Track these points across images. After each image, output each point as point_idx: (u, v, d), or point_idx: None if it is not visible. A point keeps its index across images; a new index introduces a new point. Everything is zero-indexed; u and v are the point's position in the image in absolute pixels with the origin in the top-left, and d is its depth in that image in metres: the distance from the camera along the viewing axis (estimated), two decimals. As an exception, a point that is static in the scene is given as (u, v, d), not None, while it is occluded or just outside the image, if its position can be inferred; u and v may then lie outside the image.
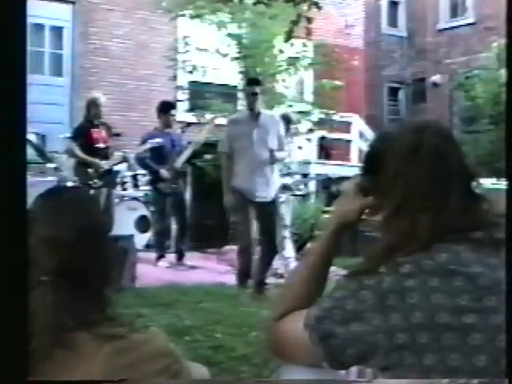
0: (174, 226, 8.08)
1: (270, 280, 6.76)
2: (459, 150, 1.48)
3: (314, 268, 1.59)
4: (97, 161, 7.35)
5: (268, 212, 6.14)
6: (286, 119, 7.69)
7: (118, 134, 9.19)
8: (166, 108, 7.91)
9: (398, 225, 1.40)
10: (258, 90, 6.11)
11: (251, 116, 6.10)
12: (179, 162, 7.76)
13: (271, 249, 6.23)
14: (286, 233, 7.75)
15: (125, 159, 8.05)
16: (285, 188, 7.59)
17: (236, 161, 6.08)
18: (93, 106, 7.46)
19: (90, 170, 7.30)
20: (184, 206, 7.91)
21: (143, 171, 8.42)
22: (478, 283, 1.30)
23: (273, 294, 5.80)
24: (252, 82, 6.35)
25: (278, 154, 6.16)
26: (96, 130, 7.44)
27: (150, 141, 7.56)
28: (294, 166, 8.13)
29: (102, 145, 7.44)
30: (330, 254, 1.60)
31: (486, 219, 1.41)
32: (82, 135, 7.37)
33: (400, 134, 1.50)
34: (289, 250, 7.60)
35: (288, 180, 7.71)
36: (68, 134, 7.76)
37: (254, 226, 6.15)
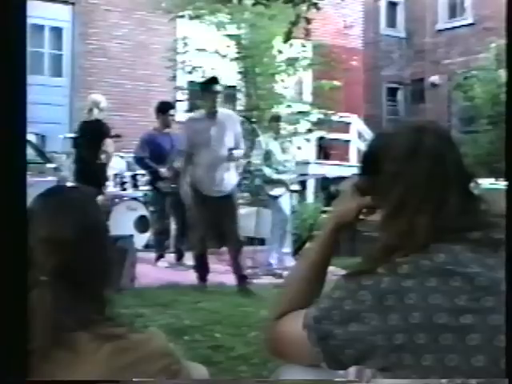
0: (173, 226, 8.07)
1: (269, 280, 6.79)
2: (457, 151, 1.48)
3: (312, 267, 1.59)
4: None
5: (227, 206, 6.30)
6: (276, 118, 7.73)
7: (117, 136, 9.20)
8: (164, 108, 7.91)
9: (396, 225, 1.41)
10: (218, 88, 6.20)
11: (209, 115, 6.21)
12: (178, 161, 7.77)
13: (235, 242, 6.35)
14: (287, 228, 7.76)
15: None
16: (282, 184, 7.62)
17: (195, 158, 6.23)
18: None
19: None
20: (183, 206, 7.91)
21: (143, 171, 8.42)
22: (476, 283, 1.30)
23: (268, 291, 5.83)
24: (212, 80, 6.39)
25: (235, 152, 6.32)
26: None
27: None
28: (291, 164, 8.13)
29: None
30: (328, 254, 1.60)
31: (484, 219, 1.41)
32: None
33: (399, 134, 1.50)
34: (287, 245, 7.62)
35: (284, 177, 7.72)
36: (69, 135, 7.73)
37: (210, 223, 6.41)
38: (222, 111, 6.33)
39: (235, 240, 6.34)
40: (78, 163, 7.45)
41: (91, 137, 7.27)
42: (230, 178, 6.33)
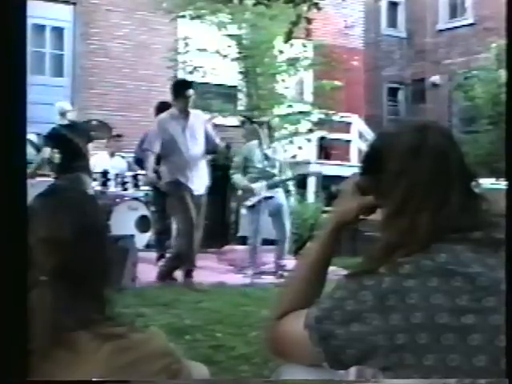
0: (174, 226, 8.07)
1: (269, 279, 6.78)
2: (459, 150, 1.48)
3: (312, 267, 1.59)
4: None
5: (200, 204, 6.49)
6: (268, 126, 7.70)
7: (119, 136, 9.21)
8: (164, 108, 7.92)
9: (398, 224, 1.40)
10: (191, 93, 6.43)
11: (182, 115, 6.43)
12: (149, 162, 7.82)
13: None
14: (287, 228, 7.74)
15: None
16: (250, 192, 7.58)
17: (169, 158, 6.43)
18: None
19: None
20: None
21: (144, 171, 8.42)
22: (477, 283, 1.30)
23: (273, 292, 5.82)
24: (187, 85, 6.64)
25: (207, 150, 6.61)
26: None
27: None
28: (285, 165, 8.11)
29: None
30: (328, 254, 1.60)
31: (485, 219, 1.41)
32: None
33: (401, 133, 1.50)
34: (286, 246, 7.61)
35: (256, 184, 7.65)
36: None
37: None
38: (193, 111, 6.57)
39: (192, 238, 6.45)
40: None
41: None
42: (204, 176, 6.62)
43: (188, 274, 6.38)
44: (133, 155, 8.07)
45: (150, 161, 6.52)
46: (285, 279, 5.80)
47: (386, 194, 1.45)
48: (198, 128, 6.51)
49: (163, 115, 6.68)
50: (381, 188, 1.47)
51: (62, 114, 7.61)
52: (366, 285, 1.36)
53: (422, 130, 1.46)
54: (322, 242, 1.60)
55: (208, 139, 6.55)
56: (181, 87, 6.54)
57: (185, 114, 6.44)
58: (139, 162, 7.89)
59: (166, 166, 6.52)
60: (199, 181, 6.52)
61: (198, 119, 6.60)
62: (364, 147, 12.49)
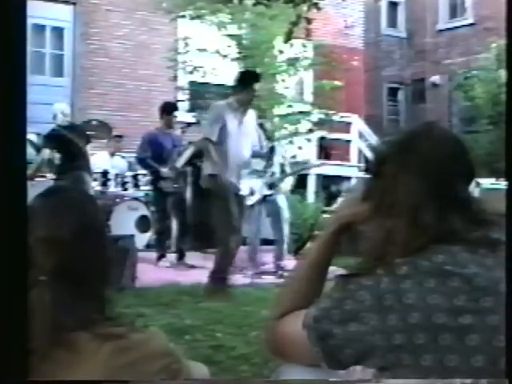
0: (174, 226, 8.08)
1: (269, 279, 6.78)
2: (460, 151, 1.48)
3: (312, 267, 1.59)
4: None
5: (243, 206, 6.21)
6: (263, 128, 7.68)
7: (119, 136, 9.21)
8: (169, 109, 7.95)
9: (393, 225, 1.41)
10: (258, 85, 6.10)
11: (241, 109, 6.03)
12: (180, 161, 7.79)
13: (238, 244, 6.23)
14: (285, 231, 7.74)
15: None
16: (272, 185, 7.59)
17: (222, 149, 5.93)
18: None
19: None
20: (184, 206, 7.93)
21: (144, 171, 8.44)
22: (474, 284, 1.30)
23: (273, 292, 5.82)
24: (256, 77, 6.23)
25: (256, 151, 6.28)
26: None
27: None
28: (285, 164, 8.13)
29: None
30: (329, 255, 1.61)
31: (482, 219, 1.42)
32: None
33: (398, 139, 1.51)
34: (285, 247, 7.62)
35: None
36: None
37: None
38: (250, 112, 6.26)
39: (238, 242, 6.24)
40: None
41: None
42: (248, 177, 6.35)
43: (217, 280, 6.02)
44: (135, 155, 8.06)
45: (211, 150, 5.88)
46: (284, 279, 5.81)
47: (382, 198, 1.45)
48: (251, 126, 6.17)
49: (220, 102, 6.24)
50: (376, 192, 1.47)
51: (56, 116, 7.56)
52: (364, 285, 1.36)
53: (418, 136, 1.47)
54: (323, 243, 1.61)
55: (258, 141, 6.25)
56: (249, 78, 6.13)
57: (244, 108, 6.04)
58: (141, 161, 7.89)
59: (209, 158, 5.99)
60: (246, 181, 6.21)
61: (251, 117, 6.23)
62: (364, 147, 12.51)
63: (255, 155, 6.35)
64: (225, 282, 5.99)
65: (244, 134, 6.03)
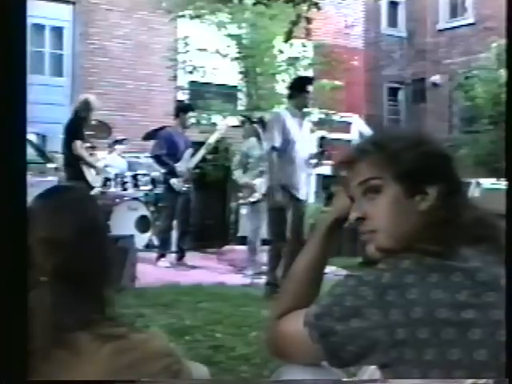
0: (175, 226, 8.08)
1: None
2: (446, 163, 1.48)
3: (307, 267, 1.60)
4: (98, 164, 7.46)
5: (303, 211, 6.13)
6: (262, 122, 7.69)
7: (122, 140, 9.21)
8: (186, 108, 8.03)
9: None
10: (311, 88, 6.12)
11: (300, 113, 6.13)
12: (193, 161, 7.84)
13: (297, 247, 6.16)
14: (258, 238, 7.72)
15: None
16: (250, 188, 7.56)
17: (285, 156, 5.98)
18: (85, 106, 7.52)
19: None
20: (189, 207, 7.93)
21: (143, 171, 8.45)
22: (476, 279, 1.31)
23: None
24: (309, 80, 6.33)
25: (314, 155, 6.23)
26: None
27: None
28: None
29: (88, 144, 7.57)
30: (324, 252, 1.61)
31: (484, 218, 1.42)
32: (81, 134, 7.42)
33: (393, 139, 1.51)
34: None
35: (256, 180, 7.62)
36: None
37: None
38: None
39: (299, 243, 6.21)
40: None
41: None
42: (308, 183, 6.26)
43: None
44: (152, 154, 8.05)
45: (274, 158, 5.96)
46: (283, 278, 5.80)
47: None
48: (307, 129, 6.24)
49: (281, 109, 6.41)
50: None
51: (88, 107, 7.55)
52: (365, 280, 1.36)
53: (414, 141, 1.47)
54: (318, 241, 1.62)
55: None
56: (304, 83, 6.20)
57: (302, 112, 6.17)
58: (157, 158, 7.89)
59: (270, 167, 6.05)
60: (305, 186, 6.13)
61: (308, 122, 6.32)
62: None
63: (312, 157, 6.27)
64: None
65: (305, 138, 6.11)
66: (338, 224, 1.61)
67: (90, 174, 7.38)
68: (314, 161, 6.26)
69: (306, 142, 6.12)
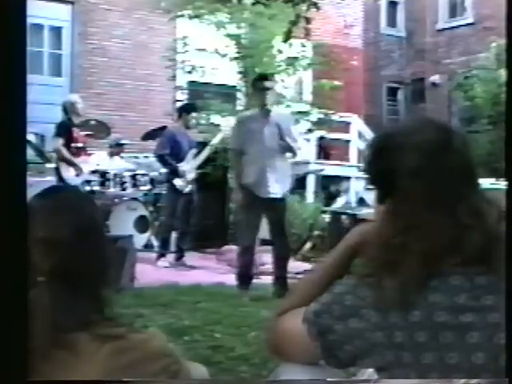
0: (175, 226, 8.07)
1: (269, 279, 6.76)
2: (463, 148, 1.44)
3: (324, 275, 1.56)
4: (80, 164, 7.52)
5: (279, 208, 6.07)
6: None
7: (122, 144, 9.20)
8: (189, 109, 8.07)
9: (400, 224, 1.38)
10: (268, 85, 6.02)
11: (262, 113, 6.02)
12: (196, 162, 7.85)
13: (283, 249, 6.17)
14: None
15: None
16: None
17: (246, 158, 6.03)
18: (71, 107, 7.62)
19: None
20: (191, 208, 7.93)
21: (143, 171, 8.45)
22: (475, 282, 1.30)
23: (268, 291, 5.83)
24: (261, 77, 6.28)
25: (288, 151, 6.15)
26: (75, 129, 7.61)
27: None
28: None
29: (80, 145, 7.57)
30: (344, 264, 1.56)
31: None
32: (65, 133, 7.51)
33: (403, 133, 1.44)
34: None
35: None
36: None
37: (260, 225, 6.14)
38: (277, 111, 6.20)
39: (283, 247, 6.16)
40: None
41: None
42: (283, 180, 6.13)
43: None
44: (155, 154, 8.07)
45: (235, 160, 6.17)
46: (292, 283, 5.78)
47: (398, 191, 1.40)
48: (280, 128, 5.95)
49: (244, 113, 6.42)
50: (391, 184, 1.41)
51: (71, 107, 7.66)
52: (365, 281, 1.36)
53: (447, 131, 1.41)
54: (342, 251, 1.57)
55: (289, 139, 6.06)
56: (259, 80, 6.13)
57: (265, 112, 5.98)
58: (160, 158, 7.90)
59: (243, 167, 6.07)
60: (276, 183, 6.01)
61: (283, 119, 6.13)
62: (363, 147, 12.50)
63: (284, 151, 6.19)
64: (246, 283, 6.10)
65: (270, 135, 5.97)
66: (356, 250, 1.55)
67: (67, 171, 7.46)
68: (290, 154, 6.21)
69: (271, 138, 5.98)
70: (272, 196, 5.99)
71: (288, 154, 6.20)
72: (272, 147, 5.96)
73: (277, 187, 6.01)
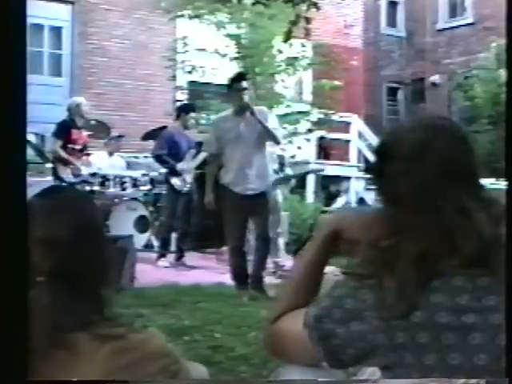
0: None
1: (268, 280, 6.76)
2: (469, 152, 1.42)
3: (308, 268, 1.57)
4: (78, 164, 7.51)
5: (260, 204, 6.08)
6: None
7: (120, 136, 9.21)
8: (187, 109, 8.07)
9: (400, 223, 1.38)
10: (244, 85, 6.07)
11: (237, 112, 6.03)
12: (195, 162, 7.85)
13: (263, 246, 6.19)
14: (280, 225, 7.73)
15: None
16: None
17: (225, 158, 6.08)
18: (75, 109, 7.62)
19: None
20: (190, 208, 7.93)
21: (143, 171, 8.45)
22: (477, 283, 1.30)
23: (273, 293, 5.81)
24: (238, 77, 6.31)
25: (269, 147, 6.22)
26: (76, 131, 7.56)
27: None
28: (285, 162, 8.15)
29: (78, 146, 7.56)
30: (324, 255, 1.57)
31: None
32: (64, 134, 7.52)
33: (409, 131, 1.43)
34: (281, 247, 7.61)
35: None
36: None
37: (247, 223, 6.19)
38: (254, 107, 6.18)
39: (263, 243, 6.18)
40: None
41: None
42: (263, 174, 6.12)
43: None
44: (153, 154, 8.07)
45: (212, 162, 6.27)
46: (283, 279, 5.79)
47: (387, 194, 1.42)
48: (257, 124, 5.94)
49: (219, 114, 6.48)
50: (384, 186, 1.44)
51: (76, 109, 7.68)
52: (365, 283, 1.35)
53: (431, 130, 1.40)
54: (318, 243, 1.57)
55: (267, 134, 6.04)
56: (233, 81, 6.15)
57: (240, 110, 5.99)
58: (158, 158, 7.90)
59: (223, 167, 6.15)
60: (256, 179, 6.02)
61: (260, 114, 6.04)
62: (363, 147, 12.50)
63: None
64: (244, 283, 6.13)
65: (249, 133, 5.98)
66: (338, 234, 1.55)
67: (65, 171, 7.48)
68: (272, 142, 6.22)
69: (249, 135, 5.99)
70: (253, 192, 6.02)
71: (271, 143, 6.26)
72: (249, 144, 6.00)
73: (257, 183, 6.04)
